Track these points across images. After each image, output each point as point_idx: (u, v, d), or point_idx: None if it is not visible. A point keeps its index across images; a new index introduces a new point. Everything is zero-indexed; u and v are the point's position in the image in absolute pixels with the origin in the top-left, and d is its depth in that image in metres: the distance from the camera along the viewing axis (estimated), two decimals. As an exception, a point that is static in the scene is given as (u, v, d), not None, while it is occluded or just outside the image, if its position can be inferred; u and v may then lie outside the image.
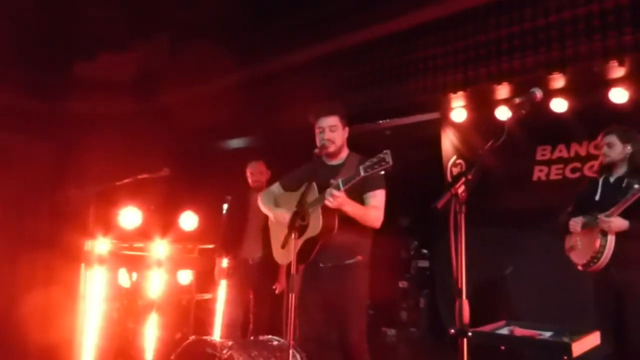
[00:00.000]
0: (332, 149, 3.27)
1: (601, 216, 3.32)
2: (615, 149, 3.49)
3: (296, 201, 2.93)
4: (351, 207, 3.06)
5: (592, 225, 3.39)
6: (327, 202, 2.97)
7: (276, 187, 3.57)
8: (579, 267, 3.48)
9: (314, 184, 3.09)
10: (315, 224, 3.07)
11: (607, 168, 3.56)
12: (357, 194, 3.14)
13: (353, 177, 2.92)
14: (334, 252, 3.15)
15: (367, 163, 2.84)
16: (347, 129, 3.36)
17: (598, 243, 3.33)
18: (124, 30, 6.33)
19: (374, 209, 3.18)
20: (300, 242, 3.07)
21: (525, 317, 3.92)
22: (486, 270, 4.57)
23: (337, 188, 2.96)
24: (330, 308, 3.19)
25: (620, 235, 3.29)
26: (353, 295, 3.19)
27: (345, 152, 3.38)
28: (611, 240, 3.30)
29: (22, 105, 6.60)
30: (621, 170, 3.50)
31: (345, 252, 3.19)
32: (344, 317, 3.16)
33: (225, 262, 4.90)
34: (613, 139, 3.50)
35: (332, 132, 3.26)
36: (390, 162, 2.76)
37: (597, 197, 3.51)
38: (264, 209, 3.54)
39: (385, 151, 2.80)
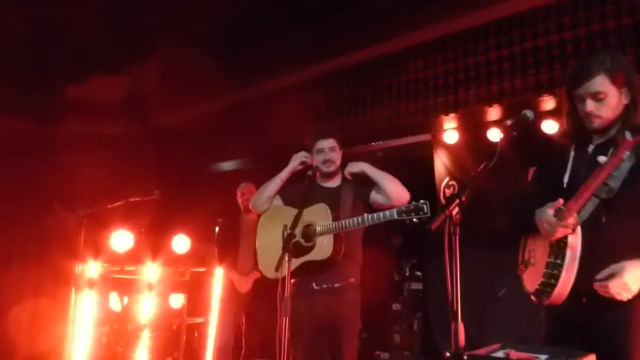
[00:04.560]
0: (332, 168, 3.36)
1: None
2: (609, 100, 2.01)
3: (292, 217, 2.95)
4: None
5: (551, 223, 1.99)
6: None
7: (276, 198, 3.51)
8: (532, 298, 2.15)
9: (327, 208, 3.12)
10: (324, 249, 3.09)
11: (583, 132, 2.14)
12: (363, 202, 3.23)
13: (380, 218, 2.95)
14: (329, 273, 3.16)
15: (404, 208, 2.86)
16: (341, 152, 3.43)
17: (549, 256, 2.01)
18: (115, 53, 6.35)
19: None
20: (299, 262, 3.07)
21: (520, 339, 3.89)
22: (480, 293, 4.55)
23: (363, 224, 3.00)
24: (323, 331, 3.18)
25: (597, 244, 1.96)
26: (347, 318, 3.19)
27: (339, 175, 3.44)
28: (572, 252, 1.94)
29: (14, 127, 6.58)
30: (607, 134, 2.09)
31: (339, 274, 3.19)
32: (338, 341, 3.15)
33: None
34: (604, 82, 1.99)
35: (332, 152, 3.35)
36: (429, 214, 2.74)
37: (565, 179, 2.13)
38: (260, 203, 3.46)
39: (423, 201, 2.81)
